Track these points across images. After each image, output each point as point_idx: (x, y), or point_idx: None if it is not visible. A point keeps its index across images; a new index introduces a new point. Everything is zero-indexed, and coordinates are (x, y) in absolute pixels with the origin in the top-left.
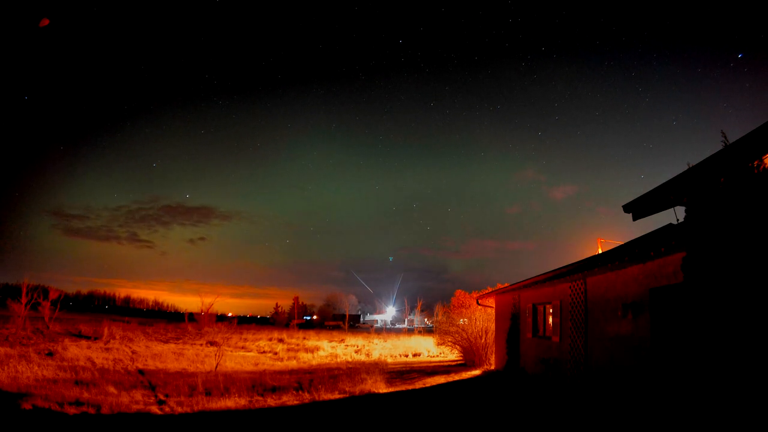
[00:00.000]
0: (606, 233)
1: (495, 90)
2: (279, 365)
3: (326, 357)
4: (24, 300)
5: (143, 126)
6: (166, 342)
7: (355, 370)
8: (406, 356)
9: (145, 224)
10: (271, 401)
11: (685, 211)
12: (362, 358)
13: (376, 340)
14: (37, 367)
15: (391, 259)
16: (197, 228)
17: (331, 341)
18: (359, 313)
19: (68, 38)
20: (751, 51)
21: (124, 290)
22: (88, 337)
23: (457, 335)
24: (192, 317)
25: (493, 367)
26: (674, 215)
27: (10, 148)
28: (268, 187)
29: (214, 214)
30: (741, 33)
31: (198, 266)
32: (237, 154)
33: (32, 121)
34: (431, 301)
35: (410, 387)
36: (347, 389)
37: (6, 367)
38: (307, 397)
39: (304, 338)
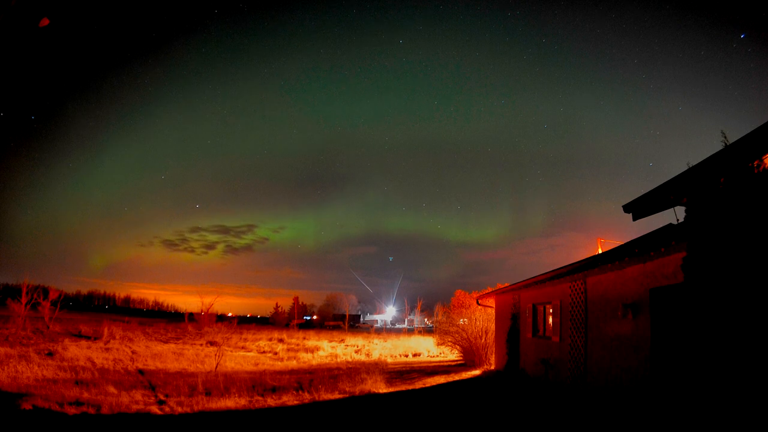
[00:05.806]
0: (606, 232)
1: (498, 85)
2: (279, 365)
3: (326, 357)
4: (24, 300)
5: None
6: (166, 342)
7: (355, 370)
8: (406, 356)
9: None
10: (271, 401)
11: (685, 211)
12: (362, 358)
13: (376, 340)
14: (37, 367)
15: (391, 259)
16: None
17: (331, 341)
18: (359, 313)
19: (70, 40)
20: (753, 31)
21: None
22: (88, 337)
23: (457, 335)
24: (192, 317)
25: (493, 367)
26: (674, 215)
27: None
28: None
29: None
30: (742, 13)
31: (207, 270)
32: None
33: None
34: (431, 301)
35: (410, 387)
36: (347, 389)
37: (6, 367)
38: (307, 397)
39: (304, 338)
